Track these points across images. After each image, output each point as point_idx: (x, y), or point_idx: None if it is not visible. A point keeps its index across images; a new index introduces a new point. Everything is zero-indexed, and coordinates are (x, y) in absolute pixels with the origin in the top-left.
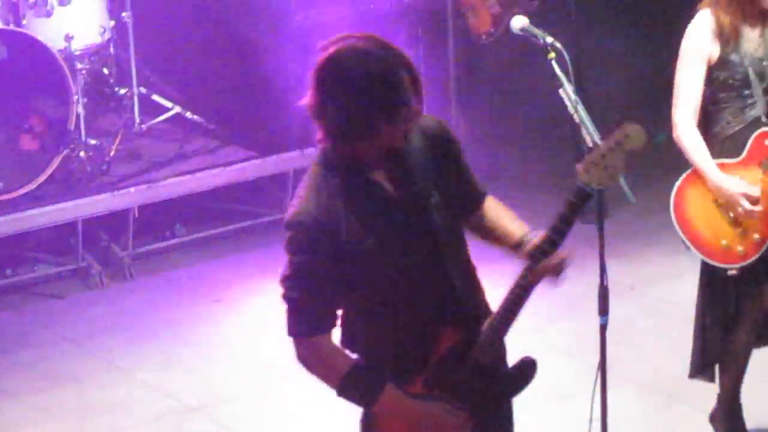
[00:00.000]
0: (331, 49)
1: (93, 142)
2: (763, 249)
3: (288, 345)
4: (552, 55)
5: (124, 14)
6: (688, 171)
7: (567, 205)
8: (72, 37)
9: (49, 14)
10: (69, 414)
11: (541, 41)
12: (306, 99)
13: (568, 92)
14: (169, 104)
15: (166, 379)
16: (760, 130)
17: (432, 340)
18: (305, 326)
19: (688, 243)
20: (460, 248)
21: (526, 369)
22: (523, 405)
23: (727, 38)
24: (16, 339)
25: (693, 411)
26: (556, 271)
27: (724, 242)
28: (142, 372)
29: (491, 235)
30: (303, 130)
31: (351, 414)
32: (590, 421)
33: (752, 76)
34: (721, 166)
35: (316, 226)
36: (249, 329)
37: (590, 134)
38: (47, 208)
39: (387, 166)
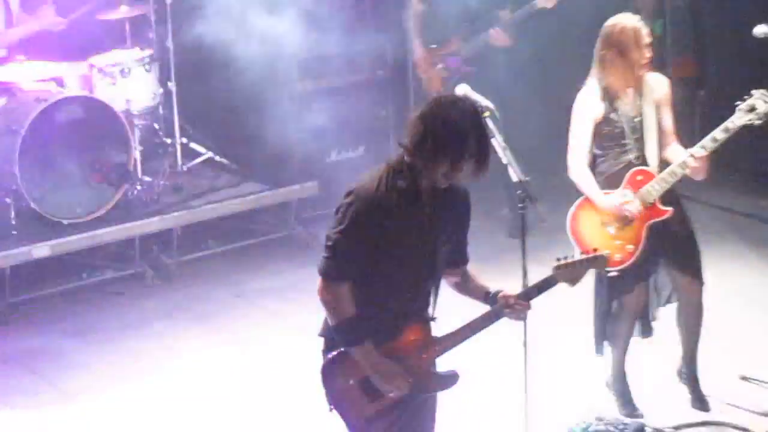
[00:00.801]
0: (443, 98)
1: (147, 179)
2: (635, 256)
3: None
4: (487, 113)
5: (169, 83)
6: (580, 199)
7: (540, 283)
8: (131, 101)
9: (114, 83)
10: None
11: (479, 103)
12: (413, 117)
13: (498, 141)
14: (203, 150)
15: (201, 350)
16: (633, 170)
17: (403, 325)
18: (336, 271)
19: (581, 253)
20: (439, 277)
21: (453, 378)
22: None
23: (610, 101)
24: (90, 324)
25: (593, 377)
26: (522, 314)
27: (606, 252)
28: (187, 349)
29: (467, 288)
30: (301, 171)
31: None
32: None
33: (627, 130)
34: (606, 195)
35: (373, 200)
36: (263, 321)
37: (516, 172)
38: (113, 228)
39: (431, 194)
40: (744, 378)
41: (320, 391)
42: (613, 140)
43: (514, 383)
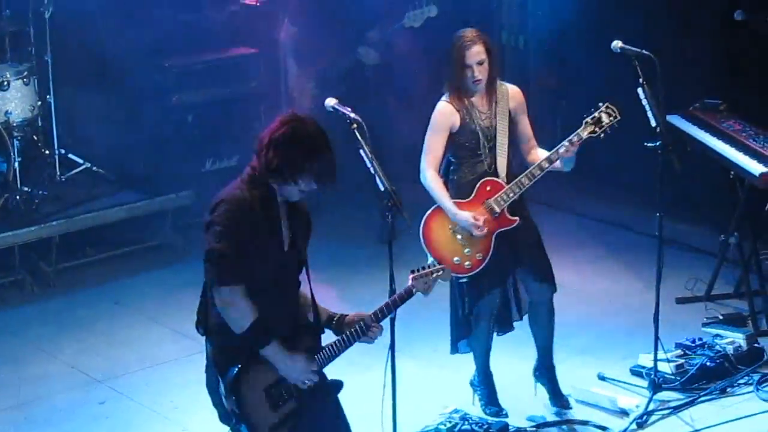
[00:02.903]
0: (291, 121)
1: (26, 189)
2: (484, 264)
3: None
4: (355, 126)
5: (48, 96)
6: (433, 208)
7: (397, 297)
8: (10, 113)
9: None
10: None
11: (348, 115)
12: (262, 136)
13: (366, 152)
14: (81, 161)
15: (81, 356)
16: (483, 179)
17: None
18: (228, 276)
19: (432, 259)
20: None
21: (338, 384)
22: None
23: (465, 111)
24: None
25: (459, 377)
26: (373, 335)
27: (456, 259)
28: (59, 350)
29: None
30: (177, 181)
31: None
32: (383, 386)
33: (481, 140)
34: (458, 203)
35: (241, 204)
36: (141, 326)
37: (382, 182)
38: None
39: (284, 205)
40: (602, 378)
41: (215, 411)
42: (468, 150)
43: (379, 385)
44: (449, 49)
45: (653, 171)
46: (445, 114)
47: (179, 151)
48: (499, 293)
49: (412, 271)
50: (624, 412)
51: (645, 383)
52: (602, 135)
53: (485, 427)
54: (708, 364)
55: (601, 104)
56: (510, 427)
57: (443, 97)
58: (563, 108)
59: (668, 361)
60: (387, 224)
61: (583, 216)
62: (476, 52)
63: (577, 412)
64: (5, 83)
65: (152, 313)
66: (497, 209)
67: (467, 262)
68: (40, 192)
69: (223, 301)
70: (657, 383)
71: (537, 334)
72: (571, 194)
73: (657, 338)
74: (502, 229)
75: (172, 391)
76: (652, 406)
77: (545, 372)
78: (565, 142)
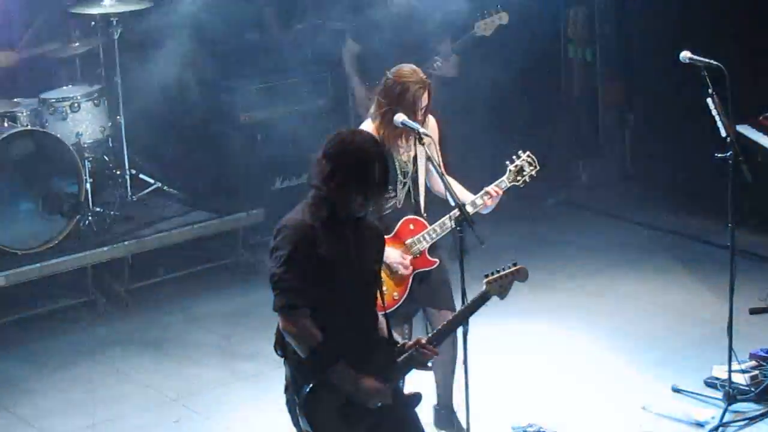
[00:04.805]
0: (344, 135)
1: (98, 209)
2: (398, 304)
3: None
4: (425, 140)
5: (118, 117)
6: None
7: (472, 302)
8: (81, 135)
9: (64, 118)
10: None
11: (418, 130)
12: (318, 156)
13: (435, 167)
14: (152, 180)
15: (154, 376)
16: (405, 218)
17: (365, 349)
18: (292, 301)
19: None
20: (374, 304)
21: (416, 397)
22: None
23: (388, 146)
24: (44, 351)
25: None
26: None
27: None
28: (133, 370)
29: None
30: (247, 199)
31: None
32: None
33: (399, 174)
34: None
35: (304, 229)
36: (214, 344)
37: (453, 197)
38: (65, 258)
39: (352, 225)
40: (676, 390)
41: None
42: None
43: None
44: (390, 87)
45: (724, 182)
46: None
47: (249, 170)
48: (401, 330)
49: (486, 275)
50: (699, 425)
51: (719, 395)
52: (522, 185)
53: None
54: None
55: (521, 153)
56: None
57: (369, 121)
58: (631, 122)
59: (742, 372)
60: (458, 240)
61: (654, 228)
62: (425, 98)
63: (651, 425)
64: (76, 105)
65: (225, 332)
66: (420, 249)
67: (382, 302)
68: (112, 212)
69: (287, 325)
70: (731, 394)
71: (438, 369)
72: (641, 206)
73: (731, 349)
74: (420, 270)
75: (246, 409)
76: (727, 418)
77: (444, 408)
78: (486, 190)
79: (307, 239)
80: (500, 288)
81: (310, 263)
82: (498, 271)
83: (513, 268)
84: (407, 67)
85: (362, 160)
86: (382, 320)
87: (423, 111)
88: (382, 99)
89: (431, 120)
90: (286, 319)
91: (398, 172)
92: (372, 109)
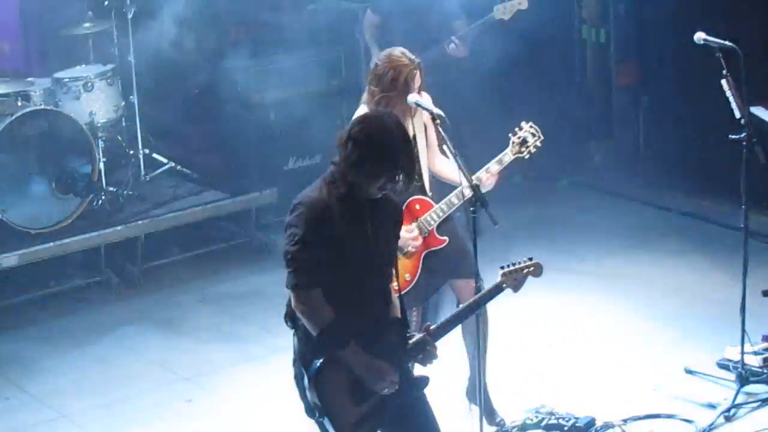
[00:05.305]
0: (369, 115)
1: (111, 189)
2: (411, 285)
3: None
4: (438, 121)
5: (131, 97)
6: None
7: (487, 292)
8: (94, 114)
9: (77, 98)
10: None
11: (432, 110)
12: (342, 138)
13: (449, 148)
14: (165, 160)
15: (168, 355)
16: (412, 197)
17: (376, 330)
18: (305, 280)
19: None
20: (389, 284)
21: (424, 381)
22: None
23: None
24: (58, 330)
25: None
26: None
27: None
28: (146, 349)
29: None
30: (260, 179)
31: None
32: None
33: None
34: None
35: (320, 207)
36: (226, 324)
37: (466, 178)
38: (79, 237)
39: (369, 205)
40: (689, 371)
41: (300, 405)
42: None
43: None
44: (380, 75)
45: (738, 163)
46: None
47: (262, 150)
48: (419, 311)
49: (502, 267)
50: (711, 406)
51: (732, 376)
52: (527, 156)
53: (572, 421)
54: None
55: (524, 123)
56: (596, 421)
57: (364, 107)
58: (644, 103)
59: (755, 353)
60: (471, 221)
61: (668, 209)
62: (418, 78)
63: (663, 406)
64: (89, 84)
65: (238, 311)
66: (428, 228)
67: (395, 284)
68: (125, 192)
69: (298, 304)
70: (744, 376)
71: (470, 344)
72: (656, 187)
73: (744, 331)
74: (430, 250)
75: (260, 387)
76: (739, 399)
77: (479, 385)
78: (494, 162)
79: (323, 218)
80: (515, 281)
81: (324, 242)
82: (514, 264)
83: (529, 263)
84: (397, 50)
85: (387, 145)
86: (396, 301)
87: (417, 92)
88: (374, 87)
89: (425, 96)
90: (298, 297)
91: None
92: (364, 97)
